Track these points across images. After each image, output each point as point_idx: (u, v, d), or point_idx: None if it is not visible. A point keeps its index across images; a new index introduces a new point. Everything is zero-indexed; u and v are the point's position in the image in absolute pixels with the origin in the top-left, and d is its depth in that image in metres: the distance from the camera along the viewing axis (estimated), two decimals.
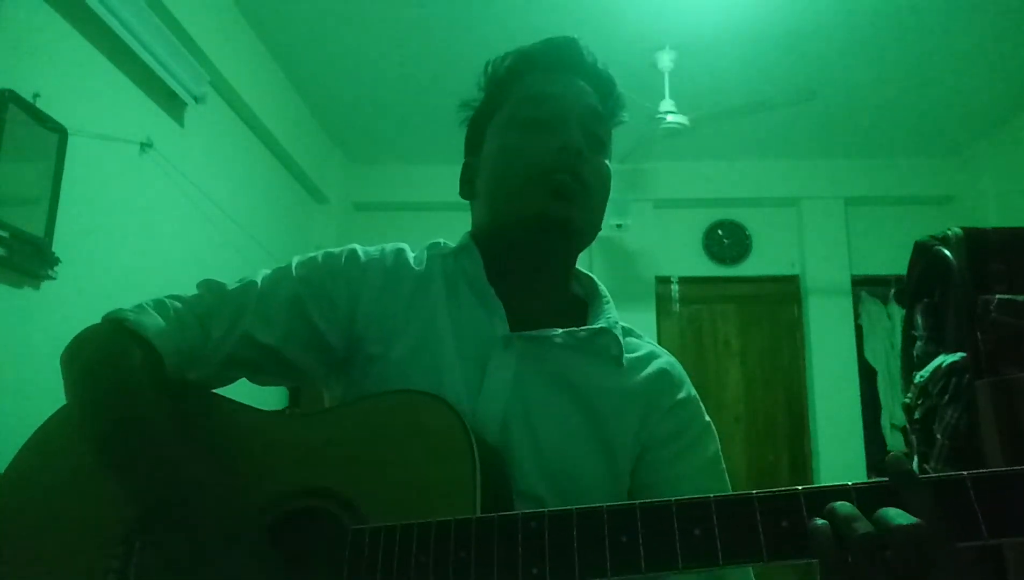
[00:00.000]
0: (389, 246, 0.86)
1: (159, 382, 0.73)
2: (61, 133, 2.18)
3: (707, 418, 0.85)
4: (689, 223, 4.84)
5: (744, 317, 4.81)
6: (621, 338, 0.83)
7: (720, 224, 4.85)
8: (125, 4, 2.38)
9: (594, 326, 0.82)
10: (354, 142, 4.55)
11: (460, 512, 0.61)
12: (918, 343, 1.89)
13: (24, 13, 2.09)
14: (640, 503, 0.56)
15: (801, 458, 4.60)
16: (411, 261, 0.85)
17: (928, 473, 1.69)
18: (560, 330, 0.79)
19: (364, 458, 0.69)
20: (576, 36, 0.86)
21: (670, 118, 3.35)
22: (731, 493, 0.54)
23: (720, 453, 0.83)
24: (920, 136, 4.38)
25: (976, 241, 1.73)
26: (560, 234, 0.78)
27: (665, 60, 3.40)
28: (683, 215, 4.80)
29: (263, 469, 0.71)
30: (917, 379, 1.80)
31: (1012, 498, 0.49)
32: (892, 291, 4.36)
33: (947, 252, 1.76)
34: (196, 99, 2.91)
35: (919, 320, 1.89)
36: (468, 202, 0.90)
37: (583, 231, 0.80)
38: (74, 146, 2.22)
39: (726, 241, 4.84)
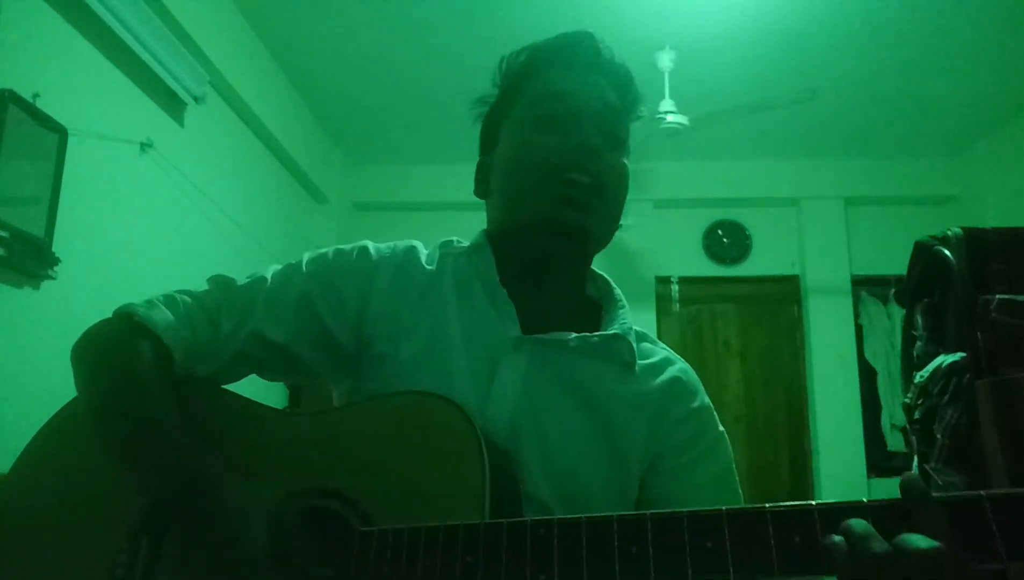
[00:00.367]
0: (401, 243, 0.85)
1: (169, 377, 0.73)
2: (61, 133, 2.17)
3: (721, 428, 0.83)
4: (689, 223, 4.84)
5: (744, 317, 4.81)
6: (635, 344, 0.81)
7: (720, 224, 4.85)
8: (125, 4, 2.38)
9: (607, 332, 0.80)
10: (354, 142, 4.55)
11: (468, 515, 0.60)
12: (918, 343, 1.88)
13: (24, 13, 2.09)
14: (651, 513, 0.55)
15: (801, 458, 4.59)
16: (423, 260, 0.84)
17: (928, 473, 1.70)
18: (573, 334, 0.78)
19: (372, 459, 0.68)
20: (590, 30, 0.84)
21: (670, 118, 3.35)
22: (744, 506, 0.53)
23: (733, 464, 0.82)
24: (920, 136, 4.38)
25: (976, 241, 1.73)
26: (571, 241, 0.77)
27: (665, 60, 3.40)
28: (683, 215, 4.80)
29: (271, 467, 0.71)
30: (917, 379, 1.80)
31: None
32: (892, 291, 4.35)
33: (947, 252, 1.76)
34: (196, 99, 2.91)
35: (919, 320, 1.89)
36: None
37: (596, 237, 0.78)
38: (74, 146, 2.22)
39: (726, 241, 4.84)
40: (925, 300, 1.89)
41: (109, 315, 0.78)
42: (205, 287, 0.82)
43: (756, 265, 4.81)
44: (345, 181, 4.72)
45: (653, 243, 4.60)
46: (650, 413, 0.79)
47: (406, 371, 0.76)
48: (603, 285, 0.88)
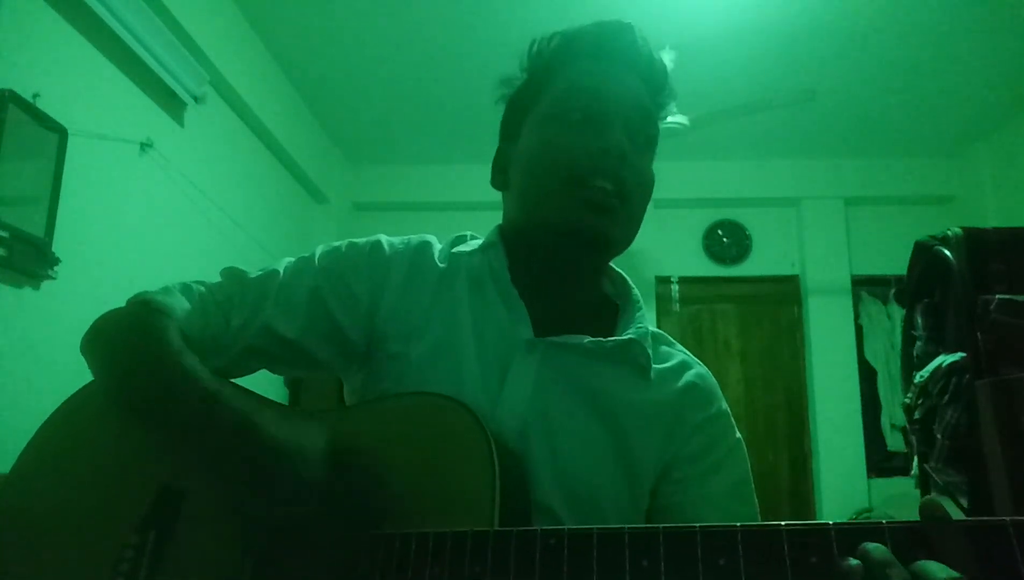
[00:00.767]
0: (415, 238, 0.83)
1: (193, 350, 0.73)
2: (61, 133, 2.17)
3: (737, 435, 0.81)
4: (689, 223, 4.84)
5: (744, 317, 4.81)
6: (650, 348, 0.79)
7: (720, 224, 4.85)
8: (125, 4, 2.38)
9: (623, 337, 0.77)
10: (354, 142, 4.55)
11: (478, 519, 0.60)
12: (918, 343, 1.89)
13: (24, 13, 2.08)
14: (664, 527, 0.54)
15: (801, 458, 4.59)
16: (435, 256, 0.82)
17: (928, 473, 1.69)
18: (587, 338, 0.76)
19: (382, 460, 0.68)
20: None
21: (670, 118, 3.35)
22: (759, 523, 0.52)
23: (749, 473, 0.80)
24: (920, 136, 4.38)
25: (976, 241, 1.73)
26: (591, 247, 0.74)
27: (665, 60, 3.39)
28: (683, 215, 4.80)
29: None
30: (917, 379, 1.80)
31: None
32: (892, 291, 4.35)
33: (947, 252, 1.76)
34: (196, 99, 2.91)
35: (919, 320, 1.89)
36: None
37: (616, 243, 0.76)
38: (74, 146, 2.22)
39: (726, 241, 4.84)
40: (925, 300, 1.89)
41: (129, 299, 0.78)
42: (217, 279, 0.82)
43: (756, 265, 4.81)
44: (345, 181, 4.72)
45: (653, 243, 4.60)
46: (665, 420, 0.77)
47: (417, 371, 0.75)
48: (621, 284, 0.86)
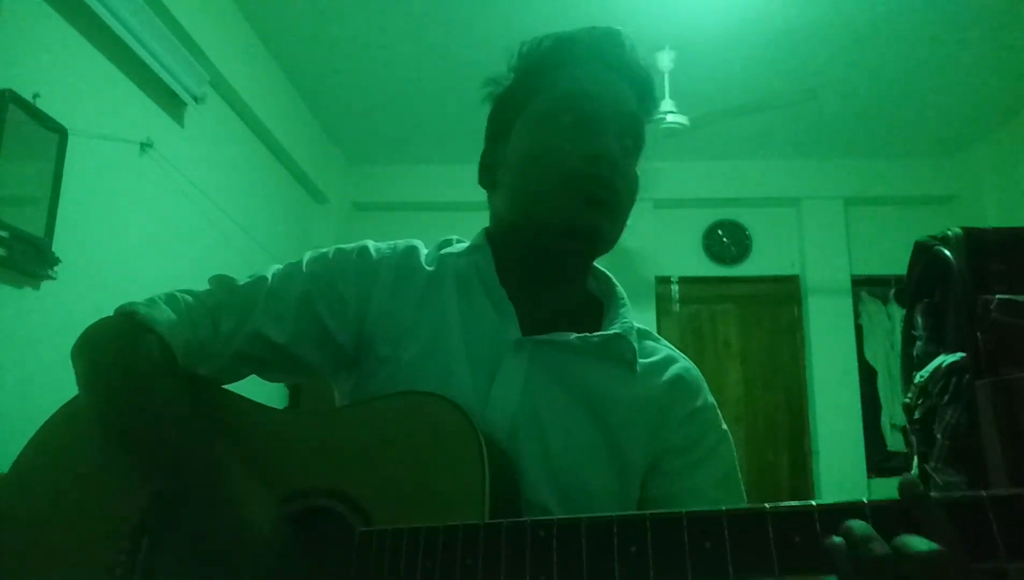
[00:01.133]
0: (401, 243, 0.84)
1: (174, 371, 0.73)
2: (61, 133, 2.18)
3: (724, 427, 0.82)
4: (689, 223, 4.84)
5: (744, 317, 4.81)
6: (636, 344, 0.80)
7: (720, 224, 4.85)
8: (125, 4, 2.38)
9: (608, 332, 0.79)
10: (354, 142, 4.55)
11: (469, 517, 0.60)
12: (918, 343, 1.89)
13: (24, 13, 2.09)
14: (651, 513, 0.55)
15: (801, 458, 4.60)
16: (423, 260, 0.83)
17: (928, 473, 1.69)
18: (573, 335, 0.77)
19: (373, 459, 0.68)
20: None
21: (670, 118, 3.35)
22: (744, 506, 0.53)
23: (736, 464, 0.81)
24: (920, 136, 4.38)
25: (976, 241, 1.73)
26: (585, 242, 0.76)
27: (665, 60, 3.40)
28: (683, 215, 4.80)
29: (273, 468, 0.71)
30: (917, 379, 1.80)
31: None
32: (892, 291, 4.36)
33: (947, 252, 1.76)
34: (196, 99, 2.91)
35: (919, 320, 1.89)
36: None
37: (608, 239, 0.78)
38: (74, 146, 2.22)
39: (726, 241, 4.84)
40: (925, 300, 1.89)
41: (116, 309, 0.78)
42: (206, 287, 0.82)
43: (756, 265, 4.81)
44: (345, 181, 4.72)
45: (653, 243, 4.60)
46: (652, 413, 0.78)
47: (407, 373, 0.75)
48: (605, 282, 0.87)
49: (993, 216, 4.29)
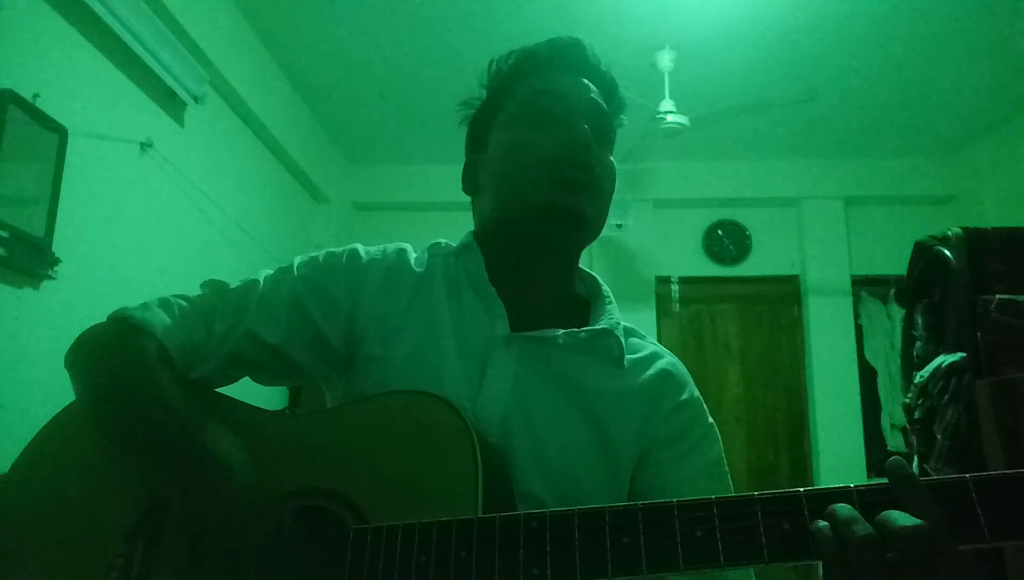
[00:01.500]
0: (391, 246, 0.86)
1: (172, 372, 0.74)
2: (61, 133, 2.18)
3: (710, 420, 0.84)
4: (689, 223, 4.84)
5: (744, 317, 4.82)
6: (623, 339, 0.82)
7: (720, 224, 4.86)
8: (125, 4, 2.38)
9: (595, 327, 0.81)
10: (354, 142, 4.55)
11: (462, 513, 0.61)
12: (918, 343, 1.89)
13: (24, 13, 2.09)
14: (642, 504, 0.56)
15: (801, 458, 4.60)
16: (412, 262, 0.85)
17: (928, 473, 1.70)
18: (561, 331, 0.79)
19: (367, 458, 0.69)
20: (579, 36, 0.86)
21: (670, 118, 3.35)
22: (733, 495, 0.54)
23: (723, 456, 0.83)
24: (920, 136, 4.39)
25: (976, 241, 1.73)
26: (569, 223, 0.78)
27: (665, 60, 3.40)
28: (683, 215, 4.80)
29: (267, 468, 0.71)
30: (917, 379, 1.80)
31: (1014, 501, 0.49)
32: (892, 291, 4.36)
33: (947, 252, 1.76)
34: (196, 99, 2.91)
35: (919, 320, 1.89)
36: (468, 202, 0.90)
37: (591, 223, 0.80)
38: (74, 146, 2.22)
39: (726, 241, 4.84)
40: (925, 300, 1.89)
41: (109, 315, 0.78)
42: (199, 292, 0.83)
43: (756, 265, 4.81)
44: (345, 181, 4.73)
45: (653, 243, 4.60)
46: (640, 406, 0.80)
47: (397, 372, 0.76)
48: (591, 283, 0.90)
49: (993, 216, 4.29)
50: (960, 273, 1.70)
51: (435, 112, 4.02)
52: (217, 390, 0.80)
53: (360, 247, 0.85)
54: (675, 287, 4.74)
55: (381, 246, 0.86)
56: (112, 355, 0.74)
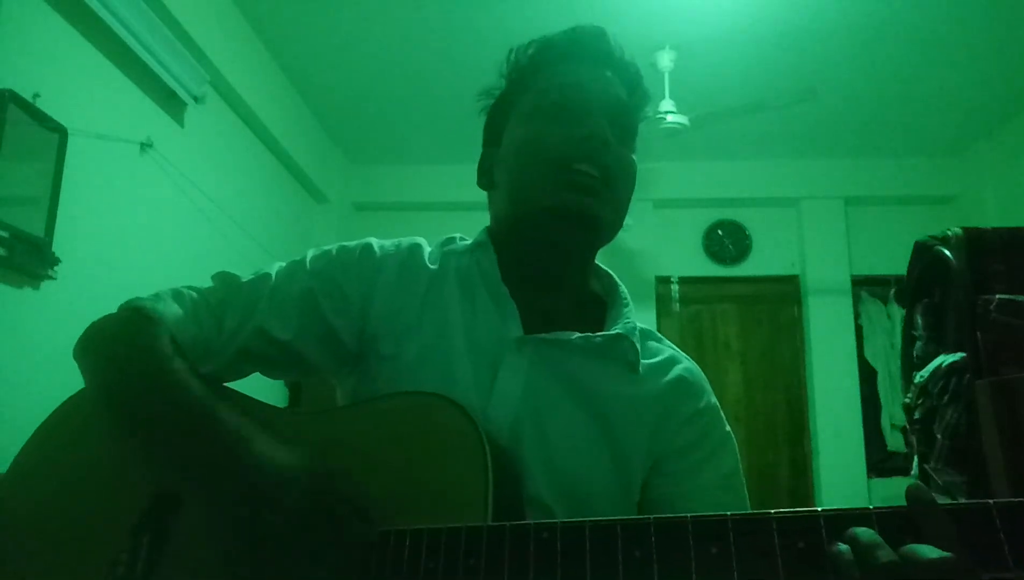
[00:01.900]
0: (405, 241, 0.84)
1: (187, 363, 0.73)
2: (61, 133, 2.18)
3: (727, 428, 0.81)
4: (689, 223, 4.84)
5: (744, 317, 4.82)
6: (639, 344, 0.79)
7: (720, 224, 4.85)
8: (125, 4, 2.38)
9: (611, 332, 0.78)
10: (354, 142, 4.55)
11: (471, 517, 0.60)
12: (918, 343, 1.89)
13: (24, 13, 2.09)
14: (655, 518, 0.54)
15: (801, 458, 4.60)
16: (426, 258, 0.83)
17: (928, 473, 1.69)
18: (575, 334, 0.77)
19: (376, 459, 0.68)
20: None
21: (670, 118, 3.35)
22: (749, 511, 0.53)
23: (739, 466, 0.80)
24: (920, 136, 4.38)
25: (976, 241, 1.73)
26: (580, 226, 0.75)
27: (665, 60, 3.40)
28: (683, 215, 4.80)
29: None
30: (917, 379, 1.80)
31: None
32: (892, 291, 4.36)
33: (947, 252, 1.76)
34: (196, 99, 2.91)
35: (919, 320, 1.89)
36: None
37: (604, 225, 0.77)
38: (74, 146, 2.22)
39: (726, 241, 4.84)
40: (925, 300, 1.89)
41: (120, 306, 0.78)
42: (209, 284, 0.82)
43: (756, 265, 4.81)
44: (345, 181, 4.72)
45: (653, 243, 4.60)
46: (654, 414, 0.77)
47: (409, 371, 0.75)
48: (608, 282, 0.87)
49: (993, 216, 4.29)
50: (960, 273, 1.70)
51: (435, 112, 4.02)
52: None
53: (374, 241, 0.83)
54: (675, 287, 4.74)
55: (395, 240, 0.84)
56: (127, 342, 0.73)
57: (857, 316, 4.65)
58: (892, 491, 4.26)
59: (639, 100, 0.83)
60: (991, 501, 0.48)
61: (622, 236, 0.81)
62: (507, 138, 0.81)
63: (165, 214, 2.83)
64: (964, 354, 1.66)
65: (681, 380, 0.80)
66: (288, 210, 4.14)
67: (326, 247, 0.83)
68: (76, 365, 0.77)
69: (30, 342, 2.08)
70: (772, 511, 0.52)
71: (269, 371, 0.82)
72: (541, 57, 0.82)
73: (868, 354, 4.58)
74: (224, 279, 0.81)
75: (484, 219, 0.87)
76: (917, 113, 4.09)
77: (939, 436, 1.68)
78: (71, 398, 0.79)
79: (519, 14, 3.12)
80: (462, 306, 0.79)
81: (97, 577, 0.67)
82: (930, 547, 0.46)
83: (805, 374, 4.66)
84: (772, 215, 4.82)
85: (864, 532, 0.49)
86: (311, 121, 4.18)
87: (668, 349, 0.84)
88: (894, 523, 0.50)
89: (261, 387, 0.88)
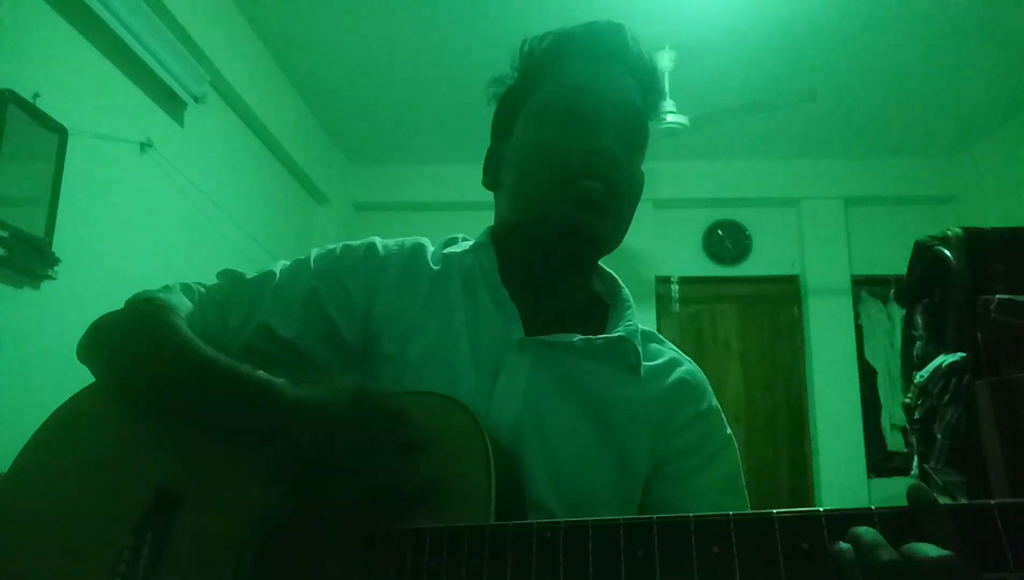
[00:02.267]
0: (408, 240, 0.84)
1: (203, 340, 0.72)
2: (61, 133, 2.17)
3: (728, 431, 0.81)
4: (689, 223, 4.84)
5: (744, 317, 4.82)
6: (640, 346, 0.79)
7: (720, 224, 4.85)
8: (125, 4, 2.38)
9: (612, 334, 0.78)
10: (354, 142, 4.55)
11: (474, 517, 0.60)
12: (918, 343, 1.89)
13: (24, 13, 2.09)
14: (658, 518, 0.55)
15: (801, 458, 4.60)
16: (429, 258, 0.83)
17: (928, 473, 1.70)
18: (577, 336, 0.76)
19: None
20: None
21: (670, 118, 3.35)
22: (751, 511, 0.53)
23: (740, 469, 0.80)
24: (920, 136, 4.38)
25: (976, 241, 1.73)
26: (583, 243, 0.75)
27: (665, 60, 3.40)
28: (683, 215, 4.80)
29: None
30: (917, 379, 1.80)
31: None
32: (892, 291, 4.36)
33: (947, 252, 1.76)
34: (196, 99, 2.91)
35: (919, 320, 1.89)
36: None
37: (607, 240, 0.76)
38: (74, 146, 2.22)
39: (726, 241, 4.84)
40: (925, 300, 1.89)
41: (128, 299, 0.78)
42: (214, 281, 0.82)
43: (756, 265, 4.81)
44: (345, 181, 4.73)
45: (653, 243, 4.60)
46: (655, 416, 0.77)
47: (412, 371, 0.75)
48: (611, 283, 0.87)
49: (993, 216, 4.29)
50: (960, 273, 1.70)
51: (435, 112, 4.02)
52: None
53: (378, 240, 0.83)
54: (675, 287, 4.74)
55: (399, 240, 0.84)
56: (148, 327, 0.72)
57: (857, 316, 4.65)
58: (892, 491, 4.26)
59: (653, 103, 0.82)
60: (991, 501, 0.48)
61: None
62: (515, 137, 0.80)
63: (165, 214, 2.83)
64: (964, 354, 1.66)
65: (683, 382, 0.80)
66: (288, 210, 4.14)
67: (330, 246, 0.83)
68: (77, 364, 0.77)
69: (30, 342, 2.08)
70: (774, 511, 0.52)
71: (272, 369, 0.82)
72: (556, 52, 0.80)
73: (868, 354, 4.58)
74: (229, 276, 0.81)
75: (485, 219, 0.87)
76: (917, 113, 4.09)
77: (939, 436, 1.68)
78: (73, 397, 0.78)
79: (519, 15, 3.12)
80: (465, 307, 0.79)
81: (100, 576, 0.67)
82: (931, 546, 0.47)
83: (805, 374, 4.66)
84: (772, 215, 4.82)
85: (866, 531, 0.49)
86: (311, 121, 4.18)
87: (670, 351, 0.84)
88: (896, 523, 0.50)
89: None
